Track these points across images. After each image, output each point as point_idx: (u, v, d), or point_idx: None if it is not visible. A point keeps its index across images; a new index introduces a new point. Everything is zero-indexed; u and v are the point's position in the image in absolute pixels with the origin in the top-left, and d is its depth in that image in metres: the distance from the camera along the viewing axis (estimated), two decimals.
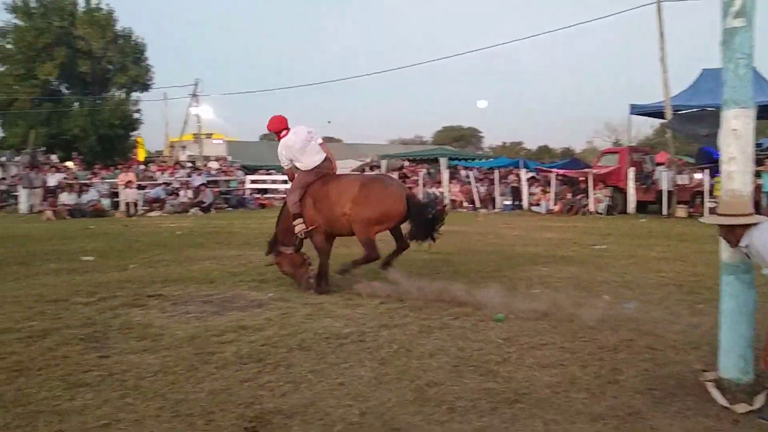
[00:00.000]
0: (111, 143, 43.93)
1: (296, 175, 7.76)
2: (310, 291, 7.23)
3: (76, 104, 44.51)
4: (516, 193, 25.88)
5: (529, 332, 5.39)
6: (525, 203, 25.20)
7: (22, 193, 25.28)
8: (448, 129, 75.37)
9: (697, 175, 21.07)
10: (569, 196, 23.77)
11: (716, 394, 3.75)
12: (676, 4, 23.25)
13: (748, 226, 3.57)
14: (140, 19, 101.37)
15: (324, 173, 7.70)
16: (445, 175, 28.26)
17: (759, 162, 16.11)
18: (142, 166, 31.41)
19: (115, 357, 4.71)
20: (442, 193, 28.06)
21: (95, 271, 9.10)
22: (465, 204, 27.02)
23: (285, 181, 29.82)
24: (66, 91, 45.57)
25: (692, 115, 21.16)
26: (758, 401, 3.60)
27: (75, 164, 30.75)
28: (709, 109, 19.35)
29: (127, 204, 24.50)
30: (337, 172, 8.07)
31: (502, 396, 3.86)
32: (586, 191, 23.19)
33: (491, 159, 34.77)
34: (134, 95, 47.65)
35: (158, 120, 61.16)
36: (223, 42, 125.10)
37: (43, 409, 3.68)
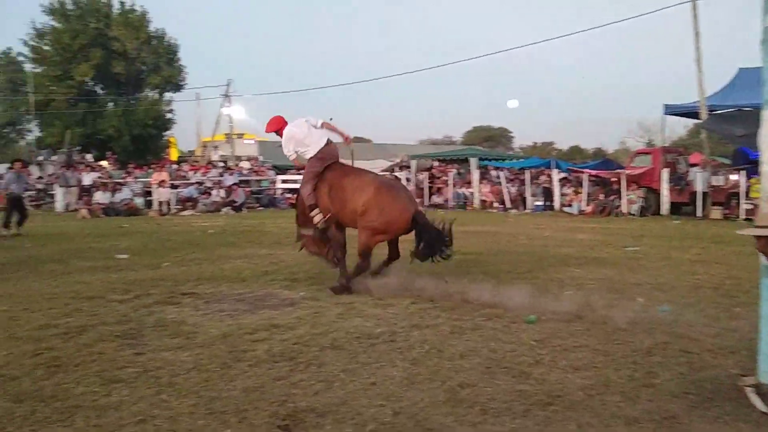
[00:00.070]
0: (144, 143, 44.53)
1: (306, 166, 7.81)
2: (333, 267, 7.52)
3: (111, 104, 45.22)
4: (547, 193, 25.71)
5: (562, 334, 5.34)
6: (557, 204, 25.00)
7: (58, 192, 25.74)
8: (478, 129, 75.05)
9: (733, 177, 20.75)
10: (601, 197, 23.55)
11: (755, 400, 3.68)
12: (712, 1, 22.97)
13: None
14: (173, 19, 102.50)
15: (335, 159, 7.81)
16: (475, 175, 28.17)
17: None
18: (174, 166, 31.78)
19: (149, 354, 4.77)
20: (471, 193, 27.98)
21: (129, 269, 9.23)
22: (495, 204, 26.90)
23: None
24: (101, 92, 46.32)
25: (728, 116, 20.84)
26: None
27: (109, 163, 31.22)
28: (746, 109, 19.06)
29: (160, 203, 24.82)
30: (345, 161, 8.18)
31: (535, 398, 3.83)
32: (618, 192, 22.95)
33: (522, 159, 34.53)
34: (167, 95, 48.31)
35: (191, 120, 61.86)
36: (255, 42, 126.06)
37: (81, 404, 3.74)
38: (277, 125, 7.98)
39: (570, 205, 24.22)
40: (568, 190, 25.33)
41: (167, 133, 47.67)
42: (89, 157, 35.24)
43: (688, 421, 3.50)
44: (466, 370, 4.37)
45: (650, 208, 22.25)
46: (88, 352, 4.79)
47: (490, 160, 31.96)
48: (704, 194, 21.12)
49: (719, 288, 7.48)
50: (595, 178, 24.59)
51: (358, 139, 69.48)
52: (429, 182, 30.32)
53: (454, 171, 30.65)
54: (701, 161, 23.08)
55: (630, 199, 22.48)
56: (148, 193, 25.82)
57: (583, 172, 25.06)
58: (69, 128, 38.80)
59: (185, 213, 24.49)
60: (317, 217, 7.58)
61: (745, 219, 18.62)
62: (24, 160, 20.26)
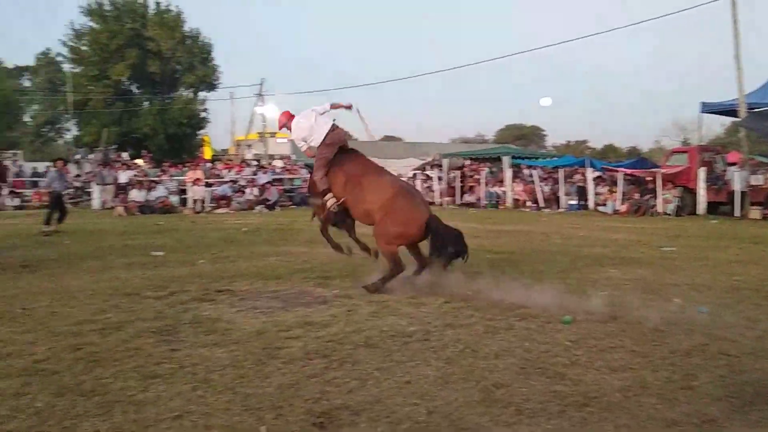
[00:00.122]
0: (179, 141, 45.09)
1: (316, 153, 7.83)
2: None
3: (146, 103, 45.85)
4: (582, 192, 25.44)
5: (598, 335, 5.28)
6: (591, 203, 24.73)
7: (95, 190, 26.18)
8: (510, 127, 74.62)
9: None
10: (636, 196, 23.24)
11: None
12: None
13: None
14: (207, 19, 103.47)
15: (344, 143, 7.90)
16: (508, 173, 28.01)
17: None
18: (209, 164, 32.12)
19: (185, 350, 4.82)
20: (504, 192, 27.81)
21: (165, 266, 9.35)
22: (528, 203, 26.72)
23: None
24: (137, 91, 46.98)
25: None
26: None
27: (145, 162, 31.66)
28: None
29: (195, 201, 25.13)
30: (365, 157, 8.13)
31: (571, 399, 3.80)
32: (654, 191, 22.62)
33: (555, 158, 34.20)
34: (201, 95, 48.89)
35: (224, 119, 62.41)
36: (287, 42, 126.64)
37: (119, 398, 3.79)
38: (286, 119, 8.09)
39: (604, 205, 23.93)
40: (603, 189, 25.04)
41: (201, 131, 48.23)
42: (125, 155, 35.79)
43: (729, 424, 3.45)
44: (500, 370, 4.35)
45: (686, 207, 21.90)
46: (126, 348, 4.86)
47: (523, 158, 31.71)
48: (743, 194, 20.73)
49: (759, 289, 7.33)
50: (630, 177, 24.27)
51: (389, 138, 69.69)
52: (461, 181, 30.23)
53: (487, 169, 30.50)
54: (740, 160, 22.67)
55: (665, 199, 22.15)
56: (183, 191, 26.14)
57: (617, 171, 24.74)
58: (106, 127, 39.46)
59: (219, 211, 24.75)
60: (330, 201, 7.65)
61: None
62: (65, 158, 20.66)
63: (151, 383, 4.06)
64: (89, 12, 44.29)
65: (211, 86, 48.36)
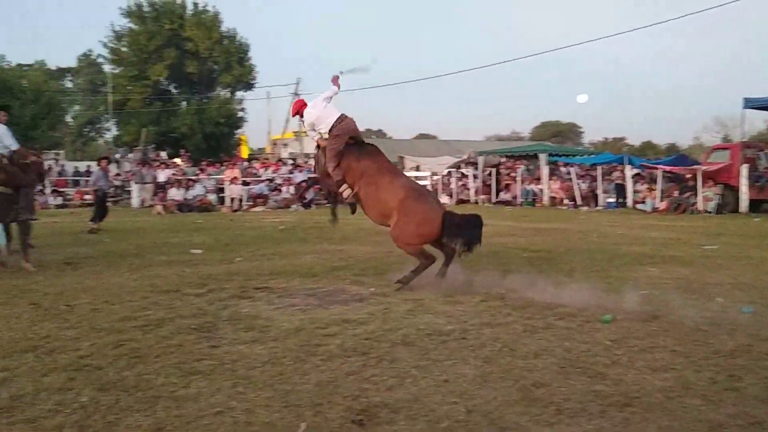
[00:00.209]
0: (216, 141, 45.59)
1: (327, 145, 7.82)
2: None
3: (184, 103, 46.46)
4: (620, 190, 25.08)
5: (639, 334, 5.20)
6: (629, 201, 24.38)
7: (134, 189, 26.60)
8: (546, 124, 74.02)
9: None
10: (676, 193, 22.85)
11: None
12: None
13: None
14: (243, 19, 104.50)
15: (354, 134, 7.86)
16: (544, 171, 27.75)
17: None
18: (245, 163, 32.41)
19: (225, 347, 4.87)
20: (541, 190, 27.57)
21: (204, 263, 9.46)
22: (566, 201, 26.46)
23: None
24: (174, 91, 47.62)
25: None
26: None
27: (183, 161, 32.07)
28: None
29: (232, 199, 25.38)
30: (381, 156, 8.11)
31: (612, 399, 3.75)
32: (694, 189, 22.22)
33: (593, 155, 33.74)
34: (238, 94, 49.40)
35: (261, 118, 62.98)
36: (323, 41, 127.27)
37: (161, 394, 3.84)
38: (298, 108, 8.08)
39: (643, 202, 23.57)
40: (642, 187, 24.66)
41: (238, 131, 48.72)
42: (164, 154, 36.32)
43: None
44: (539, 369, 4.31)
45: (728, 205, 21.44)
46: (167, 344, 4.92)
47: (559, 155, 31.34)
48: None
49: None
50: (670, 175, 23.87)
51: (423, 136, 69.60)
52: (496, 179, 30.05)
53: (523, 167, 30.26)
54: None
55: (706, 196, 21.73)
56: (221, 190, 26.42)
57: (657, 168, 24.35)
58: (145, 126, 40.07)
59: (256, 209, 24.98)
60: (346, 192, 7.72)
61: None
62: (109, 157, 21.05)
63: (192, 379, 4.10)
64: (129, 13, 45.07)
65: (248, 86, 48.84)
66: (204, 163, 31.26)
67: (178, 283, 7.62)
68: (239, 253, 10.57)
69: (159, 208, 23.26)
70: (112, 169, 30.13)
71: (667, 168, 24.11)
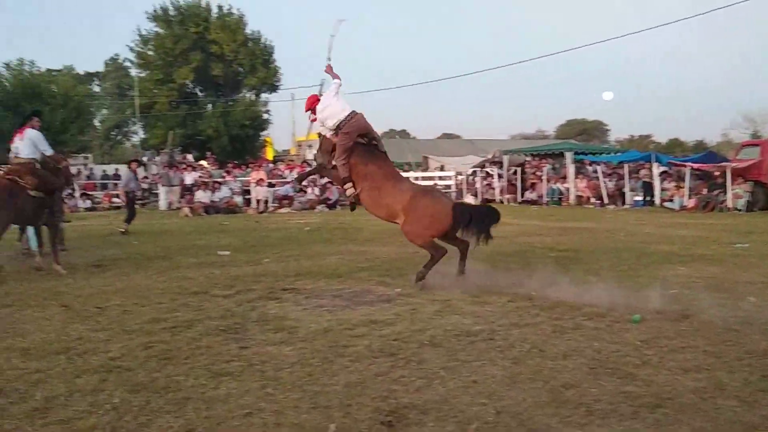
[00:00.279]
0: (242, 143, 45.80)
1: (336, 141, 7.89)
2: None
3: (210, 106, 46.77)
4: (647, 188, 24.80)
5: (669, 334, 5.14)
6: (657, 199, 24.10)
7: (162, 191, 26.82)
8: (572, 122, 73.52)
9: None
10: (705, 191, 22.53)
11: None
12: None
13: None
14: (268, 21, 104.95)
15: (363, 131, 7.89)
16: (570, 169, 27.51)
17: None
18: (271, 165, 32.56)
19: (254, 348, 4.90)
20: (567, 188, 27.36)
21: (231, 265, 9.52)
22: (592, 200, 26.22)
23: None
24: (200, 94, 47.97)
25: None
26: None
27: (209, 163, 32.29)
28: None
29: (258, 201, 25.51)
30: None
31: (643, 400, 3.71)
32: (723, 186, 21.89)
33: (620, 152, 33.38)
34: (263, 96, 49.51)
35: (286, 120, 63.28)
36: (345, 42, 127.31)
37: (191, 395, 3.88)
38: (311, 104, 8.17)
39: (671, 200, 23.28)
40: (669, 185, 24.36)
41: (263, 133, 48.88)
42: (190, 157, 36.57)
43: None
44: (569, 370, 4.28)
45: (758, 202, 21.08)
46: (196, 346, 4.97)
47: (585, 154, 31.04)
48: None
49: None
50: (698, 172, 23.55)
51: (447, 135, 69.49)
52: (521, 178, 29.87)
53: (548, 166, 30.04)
54: None
55: (736, 194, 21.39)
56: (247, 192, 26.56)
57: (685, 166, 24.02)
58: (171, 129, 40.39)
59: (282, 210, 25.08)
60: (350, 190, 7.85)
61: None
62: (139, 159, 21.31)
63: (221, 380, 4.13)
64: (155, 17, 45.48)
65: (273, 88, 48.96)
66: (230, 165, 31.44)
67: (206, 285, 7.69)
68: (266, 255, 10.63)
69: (186, 210, 23.43)
70: (140, 172, 30.54)
71: (696, 165, 23.78)
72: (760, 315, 5.63)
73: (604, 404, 3.66)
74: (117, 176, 30.73)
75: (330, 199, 26.32)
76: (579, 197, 26.85)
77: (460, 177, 32.13)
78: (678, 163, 25.44)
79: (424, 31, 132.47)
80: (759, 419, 3.41)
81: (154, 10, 45.34)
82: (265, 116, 49.06)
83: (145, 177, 30.09)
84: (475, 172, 32.43)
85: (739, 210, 20.81)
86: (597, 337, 5.10)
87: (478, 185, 30.98)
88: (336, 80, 8.08)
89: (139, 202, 23.11)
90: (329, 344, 4.95)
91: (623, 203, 25.11)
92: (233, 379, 4.16)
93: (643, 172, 25.76)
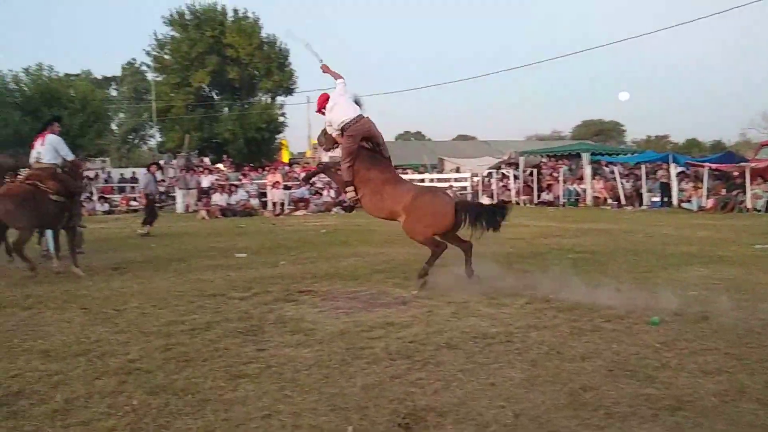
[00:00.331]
0: (258, 146, 45.97)
1: (342, 145, 7.97)
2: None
3: (226, 109, 46.99)
4: (665, 189, 24.61)
5: (689, 336, 5.10)
6: (675, 200, 23.90)
7: (179, 194, 26.99)
8: (587, 123, 73.21)
9: None
10: (723, 192, 22.33)
11: None
12: None
13: None
14: (283, 24, 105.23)
15: (368, 135, 7.95)
16: (587, 170, 27.35)
17: None
18: (287, 167, 32.66)
19: (271, 350, 4.91)
20: (584, 189, 27.21)
21: (248, 267, 9.55)
22: (609, 201, 26.07)
23: (422, 180, 30.04)
24: (216, 97, 48.21)
25: None
26: None
27: (225, 166, 32.46)
28: None
29: (274, 203, 25.61)
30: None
31: (663, 403, 3.67)
32: (742, 187, 21.68)
33: (636, 153, 33.14)
34: (279, 99, 49.64)
35: (301, 122, 63.37)
36: (360, 44, 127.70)
37: (210, 397, 3.89)
38: (321, 104, 8.24)
39: (689, 201, 23.10)
40: (687, 185, 24.17)
41: (279, 135, 49.00)
42: (207, 160, 36.78)
43: None
44: (587, 372, 4.25)
45: None
46: (214, 348, 4.98)
47: (602, 154, 30.85)
48: None
49: None
50: (717, 172, 23.34)
51: (462, 137, 69.32)
52: (537, 179, 29.74)
53: (565, 167, 29.90)
54: None
55: (755, 194, 21.17)
56: (263, 195, 26.69)
57: (703, 166, 23.83)
58: (188, 133, 40.61)
59: (298, 213, 25.15)
60: (350, 194, 7.99)
61: None
62: (158, 163, 21.53)
63: (239, 383, 4.14)
64: (171, 22, 45.78)
65: (289, 91, 49.10)
66: (246, 168, 31.58)
67: (223, 287, 7.72)
68: (282, 257, 10.66)
69: (203, 213, 23.56)
70: (158, 175, 30.76)
71: (714, 165, 23.58)
72: None
73: (623, 407, 3.63)
74: (134, 179, 31.00)
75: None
76: (596, 198, 26.70)
77: (475, 178, 32.03)
78: (696, 163, 25.25)
79: (439, 33, 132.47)
80: None
81: (171, 15, 45.70)
82: (281, 119, 49.18)
83: (162, 180, 30.30)
84: (490, 173, 32.36)
85: (759, 210, 20.60)
86: (616, 339, 5.06)
87: (493, 187, 30.89)
88: (339, 79, 8.13)
89: (158, 205, 23.31)
90: (346, 346, 4.95)
91: (641, 204, 24.94)
92: (251, 381, 4.17)
93: (660, 172, 25.58)
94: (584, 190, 27.31)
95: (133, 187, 30.56)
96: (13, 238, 8.70)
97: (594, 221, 18.14)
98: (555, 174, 29.46)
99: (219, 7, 46.19)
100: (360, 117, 7.83)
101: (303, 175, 23.45)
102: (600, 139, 64.78)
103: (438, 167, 38.58)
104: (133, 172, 33.41)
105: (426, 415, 3.57)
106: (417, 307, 6.43)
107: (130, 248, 12.70)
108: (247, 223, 20.19)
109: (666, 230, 14.74)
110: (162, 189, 28.76)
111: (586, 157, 28.28)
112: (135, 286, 7.93)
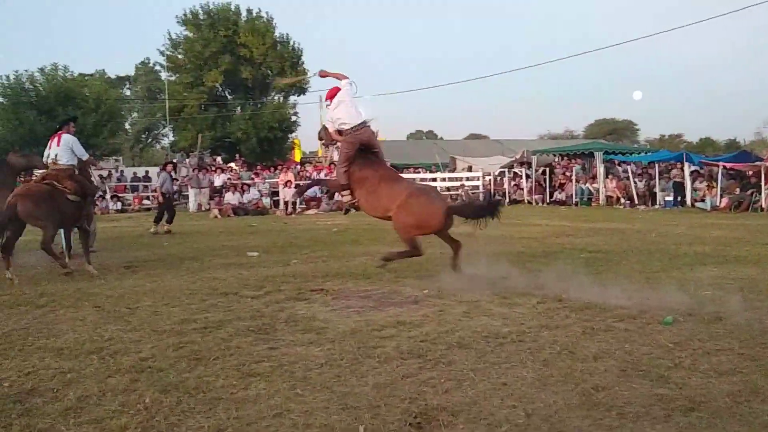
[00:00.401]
0: (270, 145, 45.97)
1: (340, 147, 8.10)
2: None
3: (239, 109, 47.05)
4: (679, 188, 24.45)
5: (702, 336, 5.06)
6: (688, 199, 23.75)
7: (191, 193, 27.11)
8: (600, 122, 72.84)
9: None
10: (737, 191, 22.16)
11: None
12: None
13: None
14: (296, 23, 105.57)
15: (366, 144, 8.11)
16: (600, 169, 27.22)
17: None
18: (299, 167, 32.71)
19: (283, 349, 4.91)
20: (597, 189, 27.09)
21: (260, 265, 9.58)
22: (622, 200, 25.94)
23: (434, 179, 30.00)
24: (230, 97, 48.30)
25: None
26: None
27: (238, 165, 32.55)
28: None
29: (286, 202, 25.65)
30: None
31: (676, 403, 3.65)
32: (757, 186, 21.51)
33: (650, 152, 32.94)
34: (292, 99, 49.66)
35: (313, 121, 63.49)
36: (373, 44, 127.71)
37: (221, 396, 3.89)
38: (330, 97, 8.37)
39: (703, 200, 22.95)
40: (701, 185, 24.01)
41: (292, 135, 49.03)
42: (219, 159, 36.90)
43: None
44: (600, 372, 4.22)
45: None
46: (226, 347, 4.99)
47: (615, 153, 30.68)
48: None
49: None
50: (731, 172, 23.15)
51: (474, 136, 69.18)
52: (550, 178, 29.64)
53: (578, 166, 29.77)
54: None
55: None
56: (275, 194, 26.76)
57: (717, 165, 23.66)
58: (201, 132, 40.71)
59: (310, 212, 25.21)
60: (347, 197, 8.29)
61: None
62: (174, 162, 21.68)
63: (251, 381, 4.15)
64: (184, 21, 45.90)
65: (301, 90, 49.10)
66: (258, 167, 31.65)
67: (235, 286, 7.74)
68: (294, 256, 10.68)
69: (215, 212, 23.66)
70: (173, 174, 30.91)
71: (729, 165, 23.40)
72: None
73: (636, 407, 3.60)
74: (147, 178, 31.16)
75: (305, 196, 26.32)
76: (609, 198, 26.58)
77: (488, 177, 31.97)
78: (710, 162, 25.08)
79: (451, 32, 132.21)
80: None
81: (185, 14, 45.82)
82: (294, 118, 49.21)
83: (175, 179, 30.43)
84: (503, 172, 32.27)
85: None
86: (628, 339, 5.03)
87: (506, 186, 30.81)
88: (344, 80, 8.17)
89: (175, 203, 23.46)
90: (357, 345, 4.94)
91: (654, 203, 24.82)
92: (263, 380, 4.17)
93: (674, 172, 25.45)
94: (597, 190, 27.18)
95: (146, 186, 30.73)
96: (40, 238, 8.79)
97: (607, 221, 18.06)
98: (568, 173, 29.37)
99: (233, 7, 46.29)
100: (362, 125, 7.94)
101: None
102: (613, 138, 64.46)
103: (450, 166, 38.49)
104: (146, 171, 33.60)
105: (437, 414, 3.55)
106: (428, 306, 6.41)
107: (142, 247, 12.78)
108: (258, 222, 20.25)
109: (679, 230, 14.66)
110: (175, 188, 28.94)
111: (599, 156, 28.15)
112: (147, 285, 7.97)
